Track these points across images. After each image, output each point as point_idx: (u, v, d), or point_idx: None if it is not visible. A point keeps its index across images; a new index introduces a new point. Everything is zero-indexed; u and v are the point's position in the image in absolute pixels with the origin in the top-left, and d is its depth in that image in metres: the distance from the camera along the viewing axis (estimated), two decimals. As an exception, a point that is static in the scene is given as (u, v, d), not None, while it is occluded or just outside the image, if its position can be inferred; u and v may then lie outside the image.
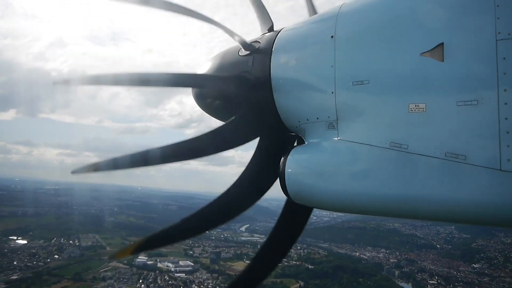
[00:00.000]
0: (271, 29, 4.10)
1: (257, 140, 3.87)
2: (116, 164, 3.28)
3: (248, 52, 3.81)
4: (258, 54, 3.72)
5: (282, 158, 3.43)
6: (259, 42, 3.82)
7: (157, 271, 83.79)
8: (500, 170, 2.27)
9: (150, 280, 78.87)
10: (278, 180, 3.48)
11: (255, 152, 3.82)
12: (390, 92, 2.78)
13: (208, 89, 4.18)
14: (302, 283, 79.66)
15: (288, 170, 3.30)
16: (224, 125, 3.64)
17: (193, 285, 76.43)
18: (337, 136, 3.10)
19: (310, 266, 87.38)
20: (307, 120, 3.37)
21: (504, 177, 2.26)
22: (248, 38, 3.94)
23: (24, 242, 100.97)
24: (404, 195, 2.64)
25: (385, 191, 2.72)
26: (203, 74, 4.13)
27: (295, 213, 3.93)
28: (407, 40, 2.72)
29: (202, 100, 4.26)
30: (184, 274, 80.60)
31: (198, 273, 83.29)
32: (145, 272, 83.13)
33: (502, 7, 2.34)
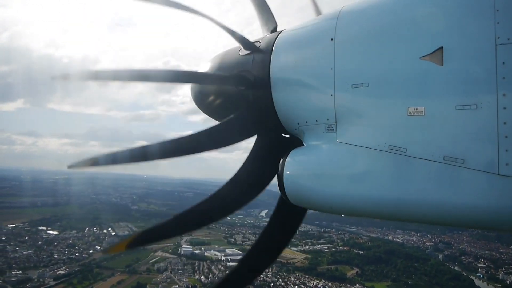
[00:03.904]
0: (274, 30, 4.06)
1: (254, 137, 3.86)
2: (114, 158, 3.33)
3: (248, 52, 3.81)
4: (258, 53, 3.71)
5: (281, 160, 3.39)
6: (260, 42, 3.80)
7: (207, 261, 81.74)
8: (499, 174, 2.28)
9: (205, 270, 76.57)
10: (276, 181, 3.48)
11: (252, 150, 3.79)
12: (389, 95, 2.75)
13: (208, 85, 4.18)
14: (359, 270, 78.50)
15: (286, 172, 3.28)
16: (223, 122, 3.67)
17: (251, 274, 74.75)
18: (336, 139, 3.08)
19: (360, 252, 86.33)
20: (306, 122, 3.34)
21: (503, 181, 2.27)
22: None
23: (56, 233, 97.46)
24: (402, 198, 2.64)
25: (384, 194, 2.71)
26: (202, 72, 4.17)
27: (290, 213, 3.85)
28: (407, 44, 2.69)
29: (201, 101, 4.27)
30: (236, 263, 78.59)
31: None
32: (196, 262, 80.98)
33: (502, 12, 2.34)
